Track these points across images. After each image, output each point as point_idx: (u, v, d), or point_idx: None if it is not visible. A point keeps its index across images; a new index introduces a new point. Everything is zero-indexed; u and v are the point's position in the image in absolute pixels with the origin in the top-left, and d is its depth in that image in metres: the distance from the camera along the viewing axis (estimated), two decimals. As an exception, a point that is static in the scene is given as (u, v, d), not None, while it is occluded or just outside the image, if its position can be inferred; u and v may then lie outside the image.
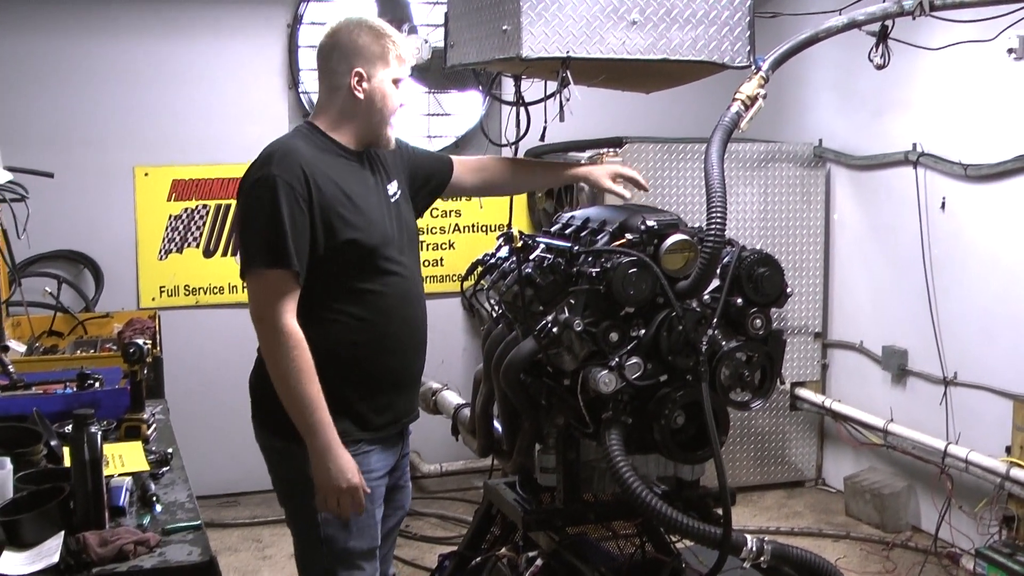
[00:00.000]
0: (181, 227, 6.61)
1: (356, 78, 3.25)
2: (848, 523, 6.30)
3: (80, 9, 6.38)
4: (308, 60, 6.74)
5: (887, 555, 5.79)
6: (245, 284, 3.16)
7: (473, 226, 7.15)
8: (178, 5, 6.54)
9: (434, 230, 7.11)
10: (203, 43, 6.58)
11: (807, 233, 6.79)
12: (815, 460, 6.97)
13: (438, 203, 6.98)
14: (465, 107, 7.13)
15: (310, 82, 6.74)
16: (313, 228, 3.14)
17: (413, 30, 6.50)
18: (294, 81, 6.70)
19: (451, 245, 7.13)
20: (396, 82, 3.34)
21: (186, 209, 6.62)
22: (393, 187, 3.46)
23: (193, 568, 2.64)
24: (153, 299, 6.60)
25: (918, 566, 5.62)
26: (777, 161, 6.71)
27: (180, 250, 6.64)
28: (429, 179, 3.75)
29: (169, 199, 6.60)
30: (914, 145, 5.93)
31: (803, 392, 6.80)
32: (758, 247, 6.35)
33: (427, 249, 7.08)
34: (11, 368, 4.11)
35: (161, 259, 6.62)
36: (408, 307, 3.40)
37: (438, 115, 7.11)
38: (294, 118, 6.62)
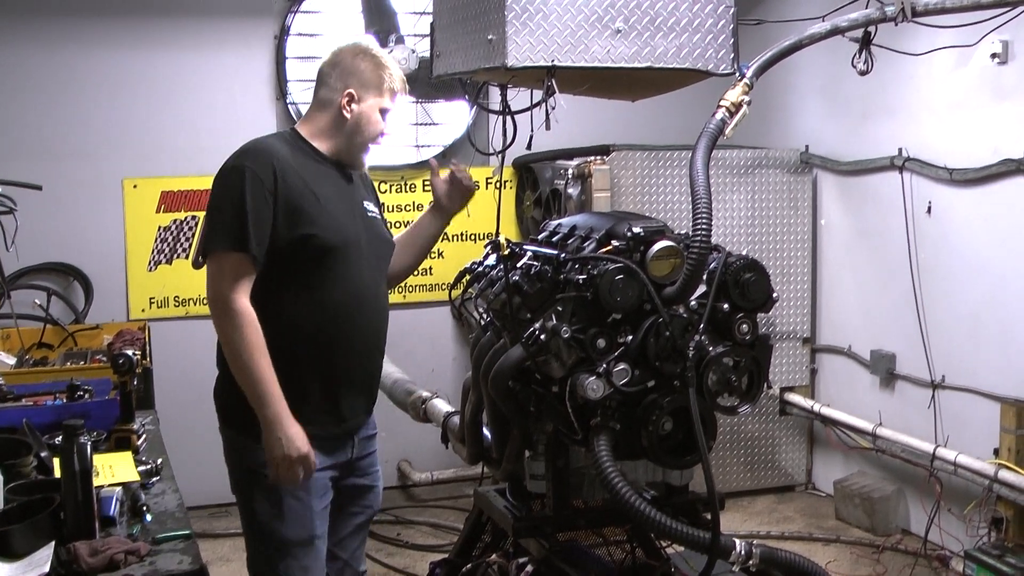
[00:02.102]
0: (170, 238, 6.62)
1: (347, 98, 3.47)
2: (838, 527, 6.32)
3: (68, 22, 6.40)
4: (296, 71, 6.77)
5: (877, 558, 5.81)
6: (205, 265, 3.31)
7: (462, 235, 7.16)
8: (166, 18, 6.56)
9: (423, 239, 7.12)
10: (191, 55, 6.59)
11: (795, 239, 6.82)
12: (805, 465, 7.00)
13: (427, 212, 7.12)
14: (453, 116, 7.15)
15: (297, 93, 6.75)
16: (275, 218, 3.29)
17: (400, 40, 6.51)
18: (282, 92, 6.72)
19: (440, 254, 7.13)
20: (383, 111, 3.56)
21: (175, 220, 6.63)
22: (371, 205, 3.66)
23: (184, 577, 2.66)
24: (143, 310, 6.61)
25: (908, 568, 5.64)
26: (764, 167, 6.74)
27: (169, 261, 6.65)
28: None
29: (158, 211, 6.61)
30: (900, 150, 5.97)
31: (792, 397, 6.83)
32: (746, 253, 6.40)
33: (416, 258, 7.10)
34: (0, 380, 4.12)
35: (151, 270, 6.63)
36: (360, 314, 3.50)
37: (426, 124, 7.12)
38: (282, 128, 6.62)
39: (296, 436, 3.28)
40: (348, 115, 3.49)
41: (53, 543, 2.74)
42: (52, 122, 6.42)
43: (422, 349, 7.14)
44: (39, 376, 4.64)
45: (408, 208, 7.10)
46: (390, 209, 7.04)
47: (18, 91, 6.35)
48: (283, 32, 6.74)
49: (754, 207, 6.73)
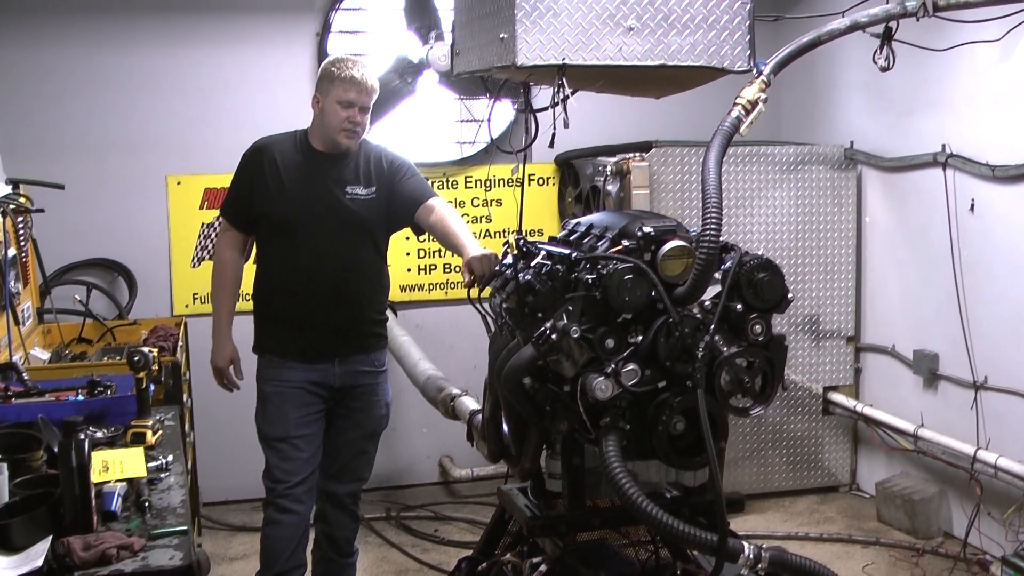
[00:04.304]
0: (213, 235, 6.66)
1: (315, 100, 4.53)
2: (879, 529, 6.23)
3: (112, 21, 6.50)
4: (338, 68, 6.80)
5: (916, 562, 5.71)
6: None
7: (504, 232, 7.16)
8: (208, 16, 6.63)
9: (465, 236, 7.13)
10: (233, 52, 6.66)
11: (839, 236, 6.74)
12: (849, 465, 6.91)
13: (468, 209, 7.14)
14: (495, 113, 7.10)
15: (340, 90, 6.79)
16: (252, 195, 4.53)
17: (440, 37, 6.53)
18: (324, 89, 6.75)
19: (481, 251, 7.13)
20: (343, 103, 4.42)
21: (218, 217, 6.66)
22: (359, 189, 4.54)
23: (172, 572, 2.67)
24: (187, 306, 6.68)
25: (947, 573, 5.55)
26: (809, 164, 6.66)
27: (212, 257, 6.70)
28: (397, 212, 4.65)
29: (201, 207, 6.68)
30: (943, 146, 5.86)
31: (835, 396, 6.75)
32: (791, 250, 6.36)
33: (458, 255, 7.10)
34: (26, 376, 4.18)
35: (194, 266, 6.69)
36: (315, 272, 4.47)
37: (468, 121, 7.12)
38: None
39: (219, 353, 4.59)
40: (317, 112, 4.51)
41: (51, 537, 2.77)
42: (96, 120, 6.52)
43: (464, 346, 7.15)
44: (66, 372, 4.69)
45: (451, 204, 7.09)
46: (432, 206, 7.05)
47: (63, 89, 6.46)
48: (325, 29, 6.78)
49: (799, 204, 6.65)
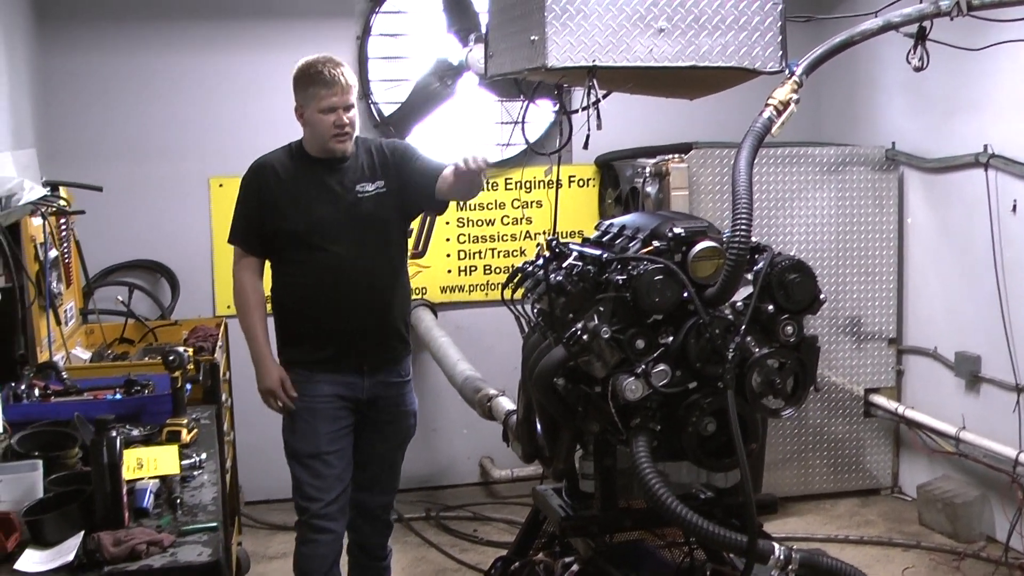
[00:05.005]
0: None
1: (297, 112, 4.42)
2: (921, 532, 6.18)
3: (153, 26, 6.58)
4: (378, 71, 6.85)
5: (957, 566, 5.66)
6: None
7: (543, 233, 7.16)
8: (250, 20, 6.69)
9: (505, 237, 7.17)
10: (275, 56, 6.65)
11: (881, 237, 6.69)
12: (891, 468, 6.85)
13: (508, 211, 7.16)
14: (537, 115, 7.12)
15: (380, 92, 6.84)
16: (262, 215, 4.43)
17: (480, 39, 6.54)
18: (364, 92, 6.76)
19: (522, 252, 7.16)
20: (325, 110, 4.31)
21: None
22: (367, 185, 4.45)
23: (200, 568, 2.70)
24: (228, 307, 6.70)
25: (987, 577, 5.51)
26: (851, 165, 6.62)
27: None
28: (417, 197, 4.54)
29: (243, 209, 6.73)
30: (985, 147, 5.81)
31: (877, 399, 6.69)
32: (832, 251, 6.33)
33: (498, 256, 7.15)
34: (65, 375, 4.24)
35: (236, 268, 6.73)
36: (336, 279, 4.38)
37: (508, 123, 7.13)
38: (365, 128, 6.69)
39: (266, 375, 4.45)
40: (303, 124, 4.43)
41: (82, 533, 2.82)
42: (139, 123, 6.60)
43: (504, 346, 7.11)
44: (109, 371, 4.76)
45: (490, 207, 7.13)
46: (472, 208, 7.07)
47: (107, 93, 6.55)
48: (365, 32, 6.81)
49: (840, 205, 6.61)
